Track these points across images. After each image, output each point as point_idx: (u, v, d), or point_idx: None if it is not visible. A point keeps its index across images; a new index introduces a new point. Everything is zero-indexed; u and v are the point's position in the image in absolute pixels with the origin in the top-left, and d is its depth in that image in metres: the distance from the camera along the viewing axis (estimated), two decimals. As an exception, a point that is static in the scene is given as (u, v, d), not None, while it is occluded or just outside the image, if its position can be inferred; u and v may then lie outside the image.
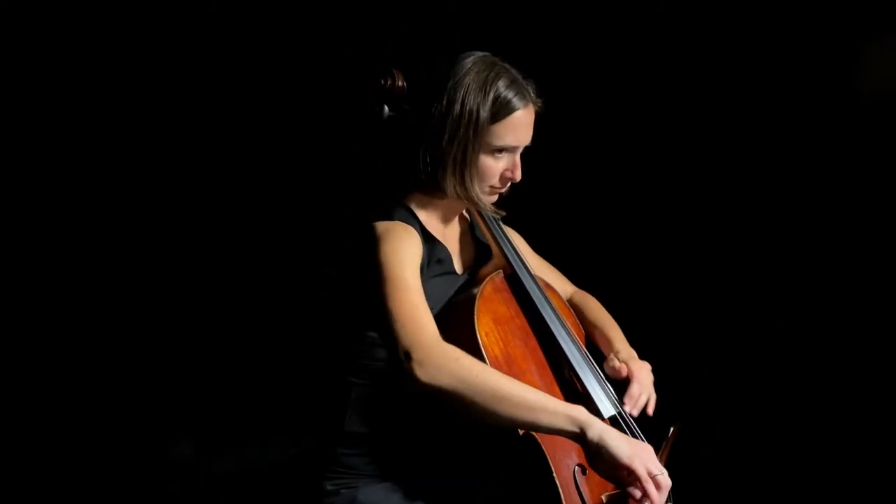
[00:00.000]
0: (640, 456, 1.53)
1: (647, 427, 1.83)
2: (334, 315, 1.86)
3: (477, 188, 1.77)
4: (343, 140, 2.65)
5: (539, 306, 1.84)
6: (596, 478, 1.75)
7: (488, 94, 1.71)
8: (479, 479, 1.78)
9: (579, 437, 1.54)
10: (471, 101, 1.71)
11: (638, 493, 1.55)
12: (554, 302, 1.89)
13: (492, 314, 1.76)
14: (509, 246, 1.92)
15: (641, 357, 2.00)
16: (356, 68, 2.19)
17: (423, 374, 1.54)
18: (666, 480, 1.56)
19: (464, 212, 1.99)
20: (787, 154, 2.80)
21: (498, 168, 1.78)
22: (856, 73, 2.68)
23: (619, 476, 1.56)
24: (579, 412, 1.55)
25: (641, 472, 1.52)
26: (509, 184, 1.83)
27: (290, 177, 2.86)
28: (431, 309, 1.68)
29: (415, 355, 1.55)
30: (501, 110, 1.72)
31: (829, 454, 2.75)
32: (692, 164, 2.91)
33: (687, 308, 2.94)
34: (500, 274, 1.86)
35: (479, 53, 1.78)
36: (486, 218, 1.95)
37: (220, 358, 2.84)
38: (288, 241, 2.82)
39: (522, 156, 1.83)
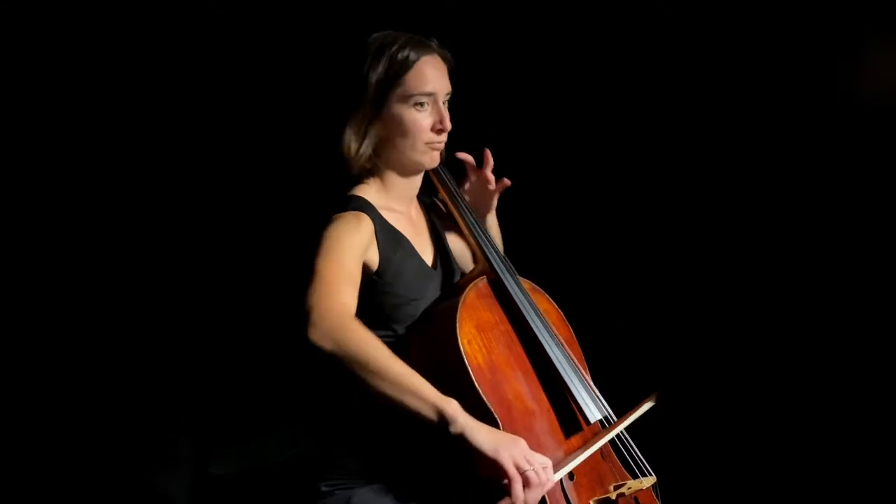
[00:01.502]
0: (507, 448, 1.53)
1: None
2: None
3: (409, 145, 1.82)
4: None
5: (524, 312, 1.83)
6: (584, 483, 1.76)
7: (382, 57, 1.79)
8: (470, 484, 1.78)
9: (442, 429, 1.54)
10: (369, 70, 1.78)
11: (513, 495, 1.54)
12: (540, 306, 1.88)
13: (475, 321, 1.76)
14: (492, 250, 1.91)
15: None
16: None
17: (312, 333, 1.54)
18: (537, 476, 1.54)
19: (423, 211, 2.01)
20: (783, 156, 2.80)
21: (425, 121, 1.82)
22: (855, 73, 2.66)
23: (489, 473, 1.55)
24: (449, 405, 1.54)
25: (507, 465, 1.52)
26: (444, 134, 1.86)
27: (289, 176, 2.87)
28: (407, 295, 1.76)
29: (312, 316, 1.55)
30: (403, 64, 1.78)
31: (827, 454, 2.75)
32: (689, 166, 2.90)
33: (686, 306, 2.94)
34: (484, 279, 1.86)
35: (380, 33, 1.85)
36: (469, 223, 1.95)
37: (219, 358, 2.85)
38: (286, 240, 2.82)
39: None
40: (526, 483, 1.54)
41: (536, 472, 1.54)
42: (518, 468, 1.53)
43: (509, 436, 1.58)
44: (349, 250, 1.69)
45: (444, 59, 1.86)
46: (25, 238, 2.70)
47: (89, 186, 2.76)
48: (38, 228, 2.71)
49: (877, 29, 2.60)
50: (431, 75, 1.81)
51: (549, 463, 1.57)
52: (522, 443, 1.56)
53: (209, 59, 2.79)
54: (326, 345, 1.54)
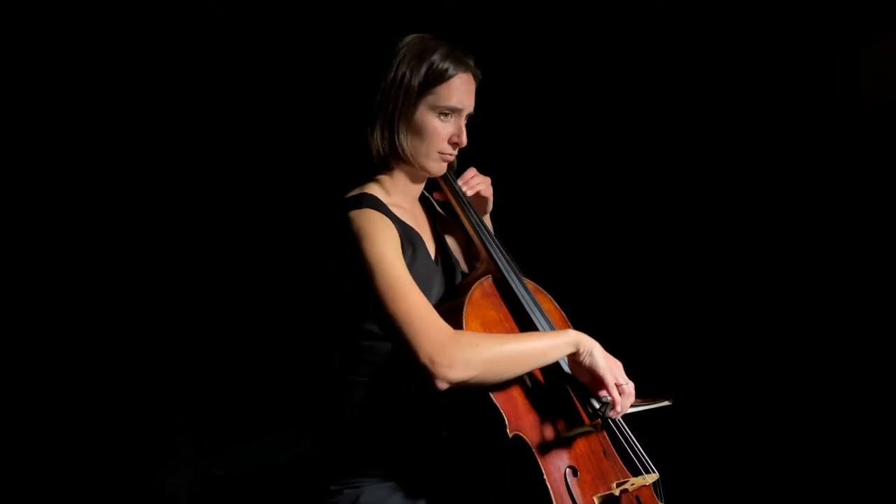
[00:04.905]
0: (611, 369, 1.77)
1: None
2: (330, 312, 1.87)
3: (423, 150, 1.87)
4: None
5: (528, 310, 1.84)
6: (587, 480, 1.77)
7: (423, 63, 1.84)
8: (475, 481, 1.79)
9: (575, 352, 1.76)
10: (408, 71, 1.84)
11: (606, 396, 1.77)
12: (544, 305, 1.90)
13: (480, 319, 1.77)
14: (497, 250, 1.93)
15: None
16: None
17: (455, 373, 1.61)
18: (630, 389, 1.79)
19: (424, 209, 2.03)
20: (783, 156, 2.81)
21: (445, 131, 1.88)
22: (855, 73, 2.67)
23: (592, 380, 1.78)
24: (570, 335, 1.77)
25: (609, 380, 1.76)
26: (458, 149, 1.92)
27: (292, 174, 2.88)
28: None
29: (440, 359, 1.60)
30: (442, 75, 1.84)
31: (827, 452, 2.76)
32: (688, 166, 2.91)
33: (687, 305, 2.95)
34: (489, 278, 1.87)
35: (418, 34, 1.89)
36: (474, 222, 1.96)
37: (220, 357, 2.85)
38: (285, 239, 2.83)
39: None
40: (621, 392, 1.77)
41: (630, 385, 1.79)
42: (616, 382, 1.77)
43: (613, 357, 1.79)
44: (395, 259, 1.73)
45: (476, 77, 1.92)
46: (26, 238, 2.70)
47: (91, 186, 2.76)
48: (39, 228, 2.71)
49: (877, 29, 2.61)
50: (463, 92, 1.87)
51: (631, 382, 1.80)
52: (620, 364, 1.80)
53: (210, 58, 2.80)
54: (474, 372, 1.63)
